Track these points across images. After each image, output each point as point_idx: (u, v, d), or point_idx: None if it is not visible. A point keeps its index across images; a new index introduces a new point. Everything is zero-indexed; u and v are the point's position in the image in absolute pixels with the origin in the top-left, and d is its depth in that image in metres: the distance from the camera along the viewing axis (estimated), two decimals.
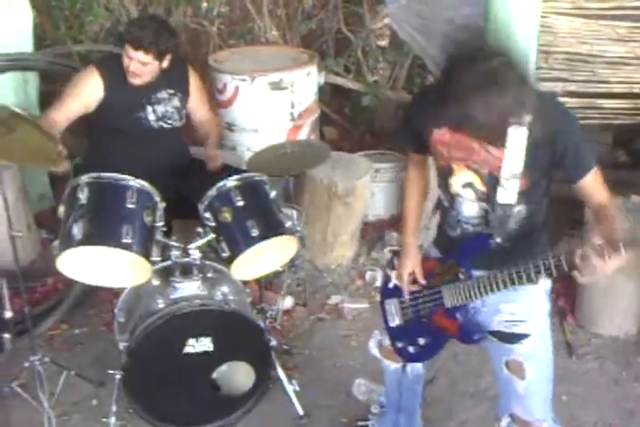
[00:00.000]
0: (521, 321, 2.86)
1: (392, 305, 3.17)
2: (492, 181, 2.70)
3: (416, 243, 3.07)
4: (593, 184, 2.69)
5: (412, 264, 3.03)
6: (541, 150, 2.60)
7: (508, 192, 2.67)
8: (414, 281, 3.04)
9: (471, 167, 2.74)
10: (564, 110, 2.70)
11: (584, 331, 4.53)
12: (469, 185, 2.78)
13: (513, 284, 2.66)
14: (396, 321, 3.16)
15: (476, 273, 2.83)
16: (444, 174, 2.84)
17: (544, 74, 5.18)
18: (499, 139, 2.58)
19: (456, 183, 2.81)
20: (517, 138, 2.58)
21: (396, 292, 3.13)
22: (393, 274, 3.14)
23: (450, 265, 2.90)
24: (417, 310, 3.05)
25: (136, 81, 4.12)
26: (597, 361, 4.31)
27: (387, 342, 3.27)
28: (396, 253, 3.15)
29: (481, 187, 2.75)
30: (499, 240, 2.77)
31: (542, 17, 4.86)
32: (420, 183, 3.12)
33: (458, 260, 2.88)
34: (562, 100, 5.19)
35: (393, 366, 3.34)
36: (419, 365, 3.31)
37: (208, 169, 4.31)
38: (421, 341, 3.08)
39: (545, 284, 2.86)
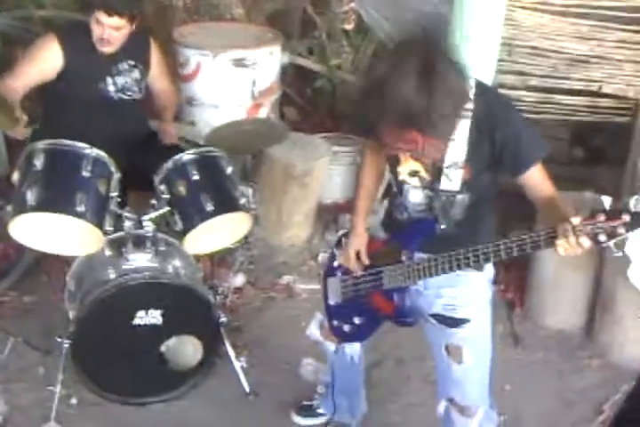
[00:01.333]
0: (461, 306, 2.89)
1: (333, 283, 3.20)
2: (436, 171, 2.72)
3: (365, 223, 3.08)
4: (536, 179, 2.66)
5: (358, 243, 3.05)
6: (483, 141, 2.61)
7: (452, 180, 2.68)
8: (358, 260, 3.05)
9: (416, 157, 2.76)
10: (506, 102, 2.72)
11: (531, 322, 4.57)
12: (415, 173, 2.80)
13: (453, 269, 2.66)
14: (335, 299, 3.20)
15: (419, 256, 2.84)
16: (392, 163, 2.87)
17: (506, 67, 5.22)
18: (445, 135, 2.57)
19: (403, 171, 2.83)
20: (460, 127, 2.59)
21: (339, 270, 3.16)
22: (338, 252, 3.17)
23: (394, 247, 2.91)
24: (357, 289, 3.07)
25: (108, 49, 4.07)
26: (542, 353, 4.36)
27: (327, 322, 3.29)
28: (344, 235, 3.17)
29: (425, 175, 2.77)
30: (443, 226, 2.78)
31: (508, 10, 4.88)
32: (376, 167, 3.12)
33: (402, 242, 2.89)
34: (521, 93, 5.30)
35: (332, 347, 3.36)
36: (357, 346, 3.33)
37: (162, 143, 4.29)
38: (357, 320, 3.11)
39: (487, 271, 2.90)
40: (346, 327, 3.16)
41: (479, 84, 2.62)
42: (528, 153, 2.63)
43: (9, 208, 3.46)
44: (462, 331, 2.91)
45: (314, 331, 3.43)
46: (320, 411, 3.76)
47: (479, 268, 2.77)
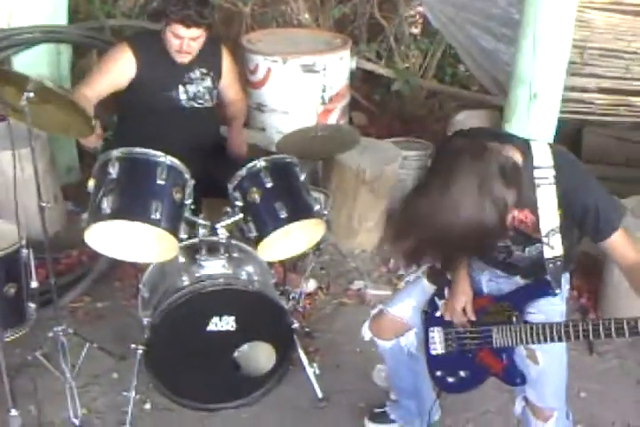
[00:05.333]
0: (534, 313, 2.87)
1: (436, 333, 3.15)
2: (519, 230, 2.72)
3: (468, 278, 3.04)
4: (619, 244, 2.64)
5: (464, 299, 3.01)
6: (564, 207, 2.59)
7: (554, 247, 2.65)
8: (464, 315, 3.03)
9: None
10: (583, 170, 2.64)
11: None
12: None
13: (570, 338, 2.62)
14: (438, 350, 3.15)
15: (531, 319, 2.84)
16: None
17: (578, 69, 5.16)
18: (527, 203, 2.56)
19: None
20: (547, 195, 2.56)
21: (442, 321, 3.11)
22: (441, 303, 3.11)
23: (504, 306, 2.90)
24: (462, 344, 3.05)
25: (185, 59, 4.12)
26: (617, 360, 4.28)
27: (388, 310, 3.24)
28: (447, 284, 3.11)
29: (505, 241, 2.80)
30: (558, 291, 2.79)
31: (579, 11, 4.83)
32: None
33: (514, 303, 2.88)
34: (594, 96, 5.23)
35: (387, 345, 3.33)
36: (412, 338, 3.27)
37: (232, 155, 4.32)
38: (462, 373, 3.09)
39: (563, 290, 2.92)
40: (450, 379, 3.14)
41: (555, 151, 2.57)
42: (607, 222, 2.59)
43: (84, 216, 3.49)
44: None
45: (366, 331, 3.37)
46: (393, 417, 3.74)
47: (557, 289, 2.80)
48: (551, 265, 2.70)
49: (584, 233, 2.67)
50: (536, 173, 2.52)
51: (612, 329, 2.46)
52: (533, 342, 2.76)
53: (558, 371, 3.01)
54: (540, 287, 2.83)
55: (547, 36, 4.36)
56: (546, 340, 2.70)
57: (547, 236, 2.64)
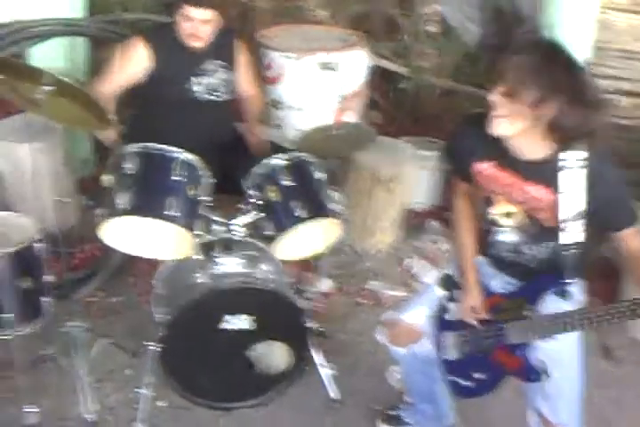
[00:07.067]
0: None
1: (449, 338, 3.13)
2: (533, 216, 2.74)
3: (477, 279, 3.03)
4: (627, 240, 2.69)
5: (474, 302, 3.01)
6: (587, 193, 2.60)
7: (572, 233, 2.65)
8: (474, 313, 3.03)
9: (511, 201, 2.76)
10: (610, 163, 2.64)
11: (621, 334, 4.46)
12: (509, 215, 2.80)
13: (584, 328, 2.62)
14: (453, 355, 3.13)
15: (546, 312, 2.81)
16: (485, 203, 2.88)
17: (597, 71, 5.12)
18: (546, 180, 2.58)
19: (495, 212, 2.84)
20: (575, 178, 2.56)
21: (454, 325, 3.09)
22: (452, 307, 3.10)
23: (518, 302, 2.88)
24: (476, 345, 3.03)
25: (198, 44, 4.11)
26: (633, 365, 4.27)
27: (402, 318, 3.22)
28: (455, 286, 3.10)
29: (521, 218, 2.79)
30: (571, 281, 2.78)
31: (600, 13, 4.79)
32: (470, 217, 3.07)
33: (528, 297, 2.85)
34: (614, 98, 5.19)
35: (401, 352, 3.30)
36: (427, 345, 3.24)
37: (249, 144, 4.30)
38: (477, 375, 3.07)
39: (578, 299, 2.89)
40: (465, 383, 3.13)
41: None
42: (622, 216, 2.66)
43: (98, 211, 3.47)
44: (547, 346, 2.86)
45: (379, 335, 3.36)
46: (408, 421, 3.71)
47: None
48: (567, 253, 2.69)
49: (599, 222, 2.66)
50: (565, 155, 2.53)
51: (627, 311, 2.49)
52: (548, 334, 2.74)
53: (572, 385, 2.98)
54: (552, 279, 2.80)
55: (567, 37, 4.33)
56: (559, 330, 2.69)
57: (568, 220, 2.63)
